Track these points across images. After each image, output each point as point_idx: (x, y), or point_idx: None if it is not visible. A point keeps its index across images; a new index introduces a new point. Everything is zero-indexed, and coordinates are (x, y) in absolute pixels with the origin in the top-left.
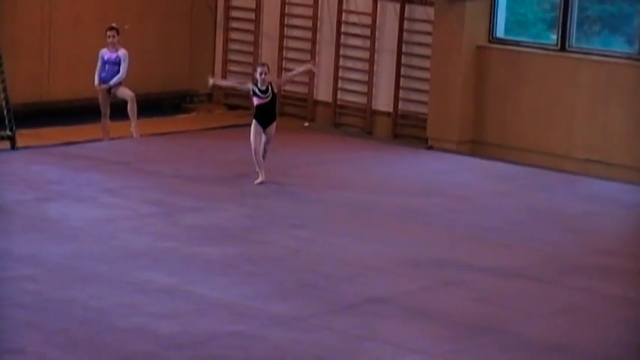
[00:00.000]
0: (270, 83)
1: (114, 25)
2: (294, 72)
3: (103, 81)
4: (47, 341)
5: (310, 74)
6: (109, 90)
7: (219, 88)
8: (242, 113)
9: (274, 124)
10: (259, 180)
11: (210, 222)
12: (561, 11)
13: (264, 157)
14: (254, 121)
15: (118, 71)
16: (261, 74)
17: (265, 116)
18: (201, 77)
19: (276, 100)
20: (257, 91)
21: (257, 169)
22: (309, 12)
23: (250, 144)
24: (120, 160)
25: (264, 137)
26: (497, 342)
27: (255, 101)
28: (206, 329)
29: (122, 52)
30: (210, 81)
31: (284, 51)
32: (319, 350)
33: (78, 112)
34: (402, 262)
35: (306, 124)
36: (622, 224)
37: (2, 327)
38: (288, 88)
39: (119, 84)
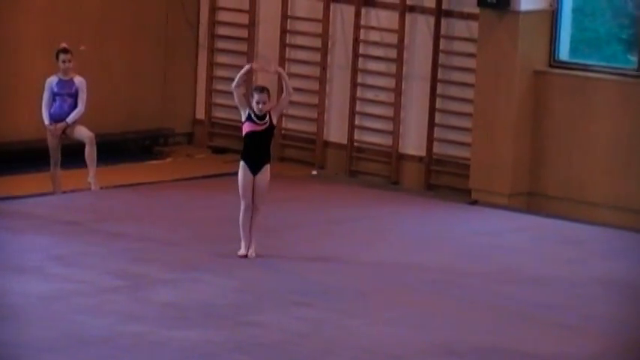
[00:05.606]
0: (269, 112)
1: (66, 46)
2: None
3: (53, 118)
4: None
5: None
6: (64, 130)
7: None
8: (231, 158)
9: (267, 168)
10: (242, 252)
11: (189, 298)
12: None
13: (252, 223)
14: (242, 162)
15: (73, 105)
16: (258, 103)
17: (257, 153)
18: (177, 112)
19: (273, 134)
20: (252, 116)
21: (241, 236)
22: (318, 28)
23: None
24: (73, 219)
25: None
26: None
27: (247, 127)
28: None
29: (79, 81)
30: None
31: None
32: None
33: (19, 158)
34: (436, 350)
35: (314, 171)
36: None
37: None
38: (289, 125)
39: (75, 121)
